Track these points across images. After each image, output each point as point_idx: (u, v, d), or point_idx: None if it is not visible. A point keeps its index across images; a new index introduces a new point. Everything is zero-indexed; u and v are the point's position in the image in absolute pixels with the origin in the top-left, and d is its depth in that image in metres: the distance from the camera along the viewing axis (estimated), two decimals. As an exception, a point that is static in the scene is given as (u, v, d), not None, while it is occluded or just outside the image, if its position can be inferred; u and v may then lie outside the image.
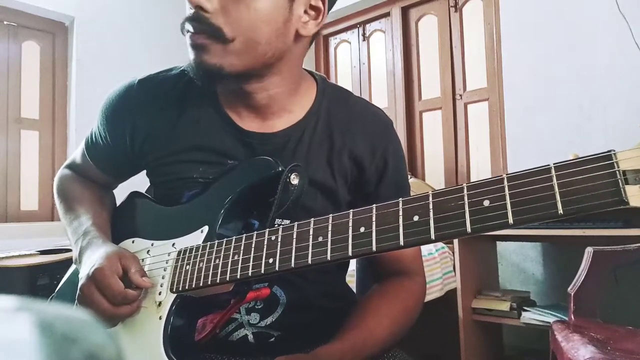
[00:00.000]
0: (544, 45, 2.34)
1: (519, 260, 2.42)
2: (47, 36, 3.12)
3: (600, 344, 1.25)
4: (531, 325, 1.96)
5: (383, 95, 3.13)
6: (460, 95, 2.79)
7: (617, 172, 0.42)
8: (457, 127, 2.81)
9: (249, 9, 0.68)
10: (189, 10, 0.70)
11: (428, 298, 2.08)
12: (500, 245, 2.44)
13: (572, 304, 1.47)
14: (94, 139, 0.90)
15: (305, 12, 0.74)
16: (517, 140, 2.44)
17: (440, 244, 2.35)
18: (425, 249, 2.24)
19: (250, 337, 0.78)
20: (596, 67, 2.17)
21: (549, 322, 1.74)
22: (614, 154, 0.43)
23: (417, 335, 2.37)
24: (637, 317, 1.49)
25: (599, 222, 1.76)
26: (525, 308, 2.02)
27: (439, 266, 2.21)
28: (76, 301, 0.72)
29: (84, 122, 2.99)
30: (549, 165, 0.45)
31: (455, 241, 2.10)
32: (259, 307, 0.79)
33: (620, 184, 0.42)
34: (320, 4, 0.75)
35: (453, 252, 2.19)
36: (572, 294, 1.48)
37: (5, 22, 2.94)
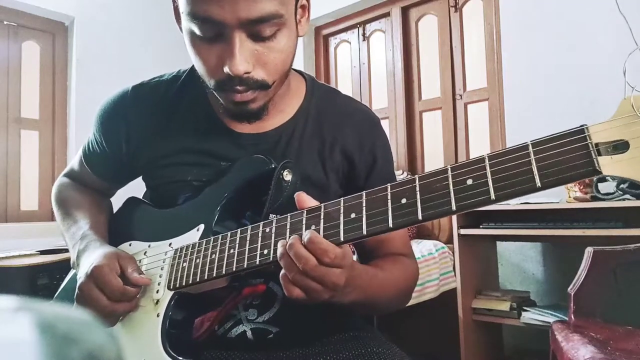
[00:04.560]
0: (544, 45, 2.34)
1: (519, 260, 2.42)
2: (47, 36, 3.12)
3: (600, 344, 1.25)
4: (531, 325, 1.96)
5: (383, 95, 3.13)
6: (460, 95, 2.79)
7: (590, 144, 0.45)
8: (457, 127, 2.81)
9: (279, 52, 0.70)
10: (220, 72, 0.69)
11: (423, 298, 2.08)
12: (500, 245, 2.43)
13: (572, 304, 1.47)
14: (90, 146, 0.91)
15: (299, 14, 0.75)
16: (517, 140, 2.39)
17: (440, 244, 2.35)
18: (425, 248, 2.24)
19: (249, 333, 0.78)
20: (596, 67, 2.17)
21: (549, 322, 1.74)
22: (586, 127, 0.45)
23: (416, 335, 2.37)
24: (637, 317, 1.48)
25: (599, 222, 1.76)
26: (525, 308, 2.02)
27: (437, 267, 2.20)
28: (75, 301, 0.72)
29: (84, 122, 2.99)
30: (526, 142, 0.48)
31: (455, 241, 2.10)
32: (256, 302, 0.79)
33: (593, 155, 0.45)
34: (305, 1, 0.76)
35: (453, 252, 2.19)
36: (572, 294, 1.48)
37: (5, 22, 2.94)
